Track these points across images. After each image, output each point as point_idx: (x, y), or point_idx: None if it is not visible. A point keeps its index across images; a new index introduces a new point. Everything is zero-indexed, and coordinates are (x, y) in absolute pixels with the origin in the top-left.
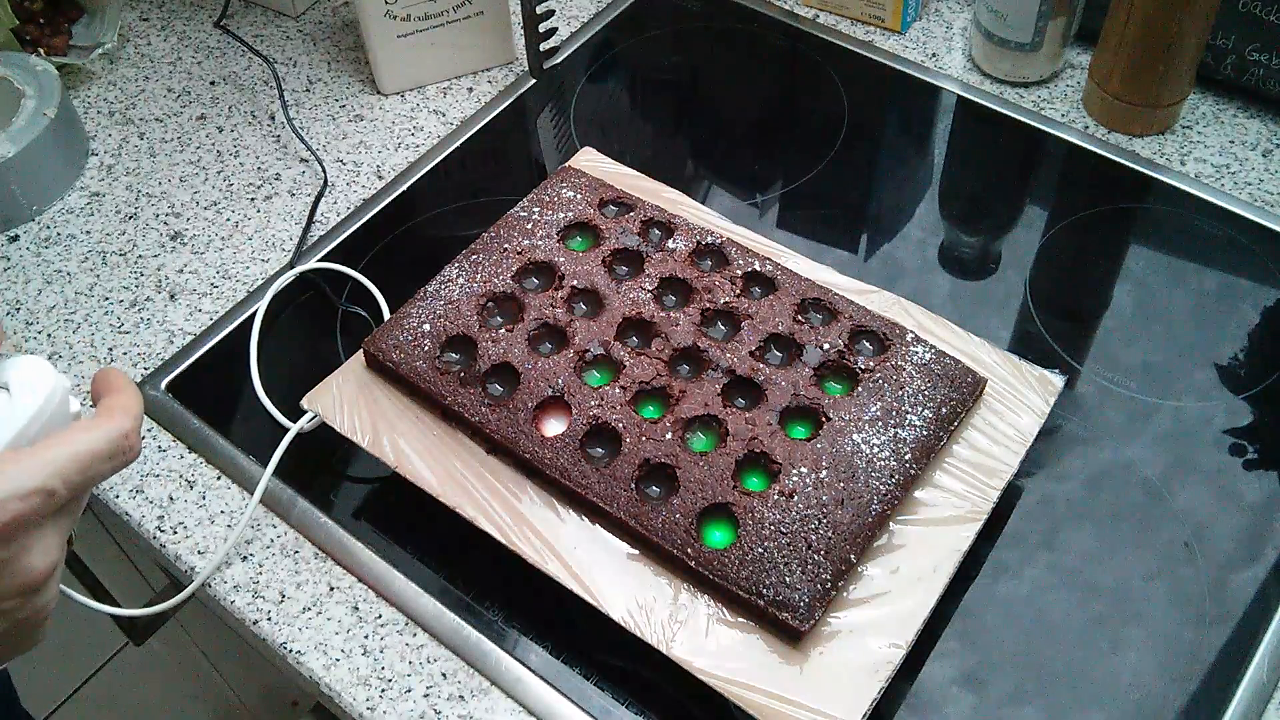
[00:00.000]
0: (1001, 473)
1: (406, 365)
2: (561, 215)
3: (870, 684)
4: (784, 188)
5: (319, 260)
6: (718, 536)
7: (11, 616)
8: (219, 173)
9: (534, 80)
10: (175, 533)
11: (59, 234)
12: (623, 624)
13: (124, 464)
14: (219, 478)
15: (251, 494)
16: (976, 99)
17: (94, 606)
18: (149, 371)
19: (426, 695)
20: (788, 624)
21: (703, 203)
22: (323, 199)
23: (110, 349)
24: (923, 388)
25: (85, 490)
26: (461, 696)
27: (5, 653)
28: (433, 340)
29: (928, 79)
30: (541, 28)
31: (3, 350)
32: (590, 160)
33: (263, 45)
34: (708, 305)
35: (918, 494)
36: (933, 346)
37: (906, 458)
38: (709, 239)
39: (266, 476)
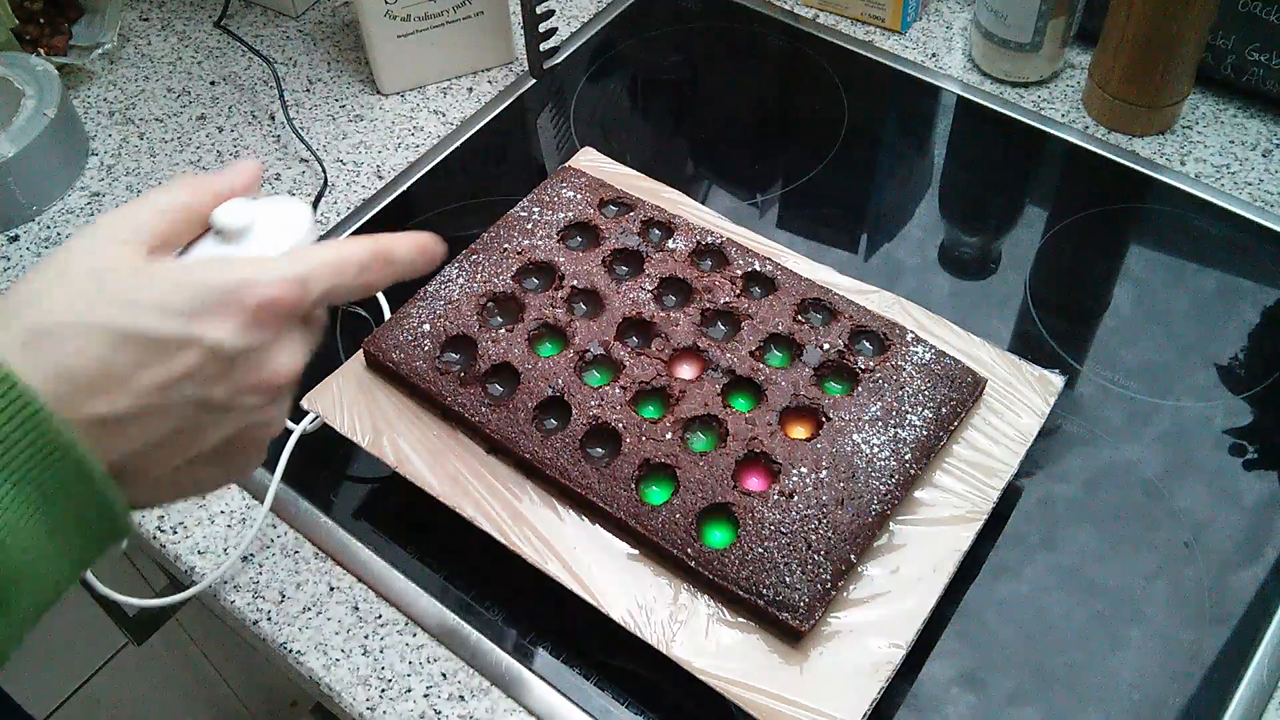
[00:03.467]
0: (1001, 473)
1: (406, 365)
2: (561, 215)
3: (870, 684)
4: (784, 188)
5: None
6: (718, 536)
7: (248, 415)
8: None
9: (534, 80)
10: (175, 533)
11: (59, 234)
12: (623, 624)
13: (369, 285)
14: None
15: (251, 493)
16: (976, 99)
17: (108, 594)
18: None
19: (426, 695)
20: (788, 624)
21: (703, 203)
22: (323, 199)
23: None
24: (923, 388)
25: (333, 298)
26: (461, 696)
27: (221, 466)
28: (433, 340)
29: (928, 79)
30: (541, 28)
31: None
32: (590, 160)
33: (263, 45)
34: (708, 305)
35: (918, 494)
36: (933, 346)
37: (906, 458)
38: (709, 239)
39: (275, 484)
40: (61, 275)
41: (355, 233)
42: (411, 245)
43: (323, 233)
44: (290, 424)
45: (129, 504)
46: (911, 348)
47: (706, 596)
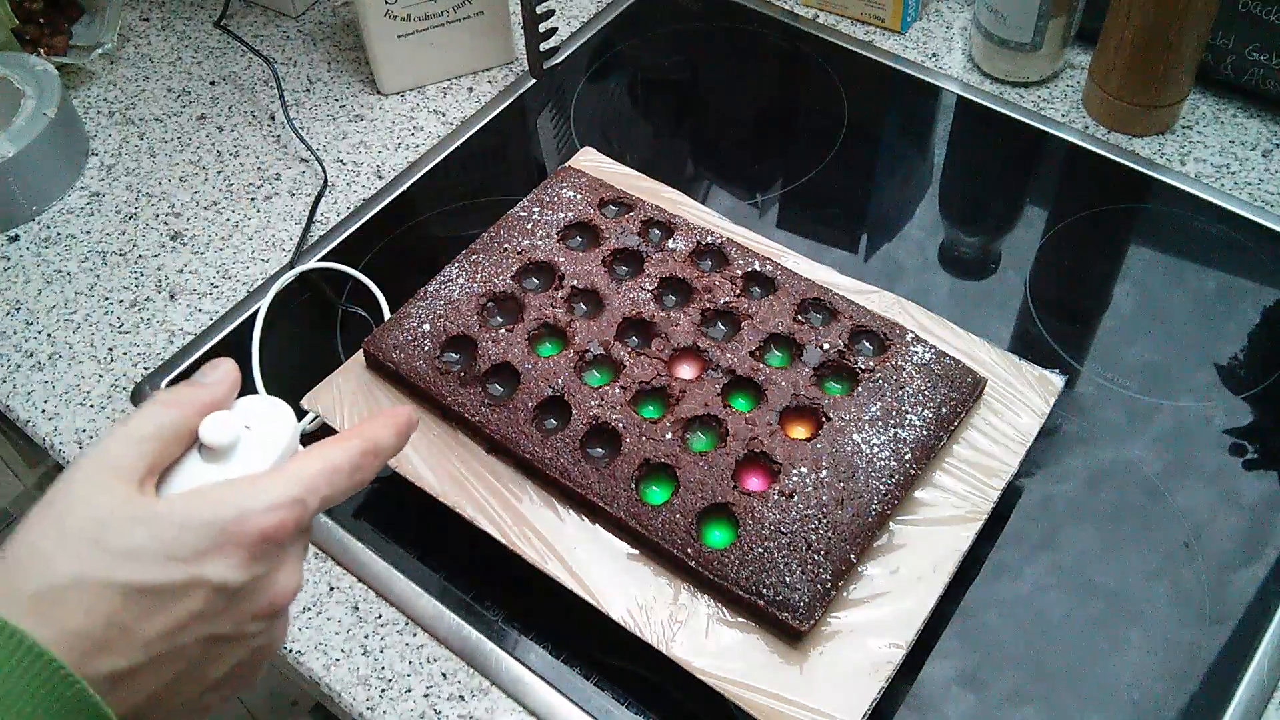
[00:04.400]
0: (1001, 473)
1: (406, 365)
2: (561, 215)
3: (870, 684)
4: (784, 188)
5: (319, 260)
6: (718, 536)
7: (253, 641)
8: (219, 173)
9: (534, 80)
10: None
11: (59, 234)
12: (623, 624)
13: (360, 482)
14: None
15: None
16: (976, 99)
17: None
18: (149, 371)
19: (426, 695)
20: (788, 624)
21: (703, 203)
22: (323, 199)
23: (110, 349)
24: (923, 388)
25: (330, 505)
26: (461, 696)
27: (229, 688)
28: (433, 340)
29: (928, 79)
30: (541, 28)
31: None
32: (590, 160)
33: (263, 45)
34: (708, 305)
35: (918, 494)
36: (933, 346)
37: (906, 458)
38: (709, 239)
39: None
40: (60, 530)
41: (354, 234)
42: (393, 429)
43: (322, 232)
44: None
45: None
46: (911, 348)
47: (706, 596)
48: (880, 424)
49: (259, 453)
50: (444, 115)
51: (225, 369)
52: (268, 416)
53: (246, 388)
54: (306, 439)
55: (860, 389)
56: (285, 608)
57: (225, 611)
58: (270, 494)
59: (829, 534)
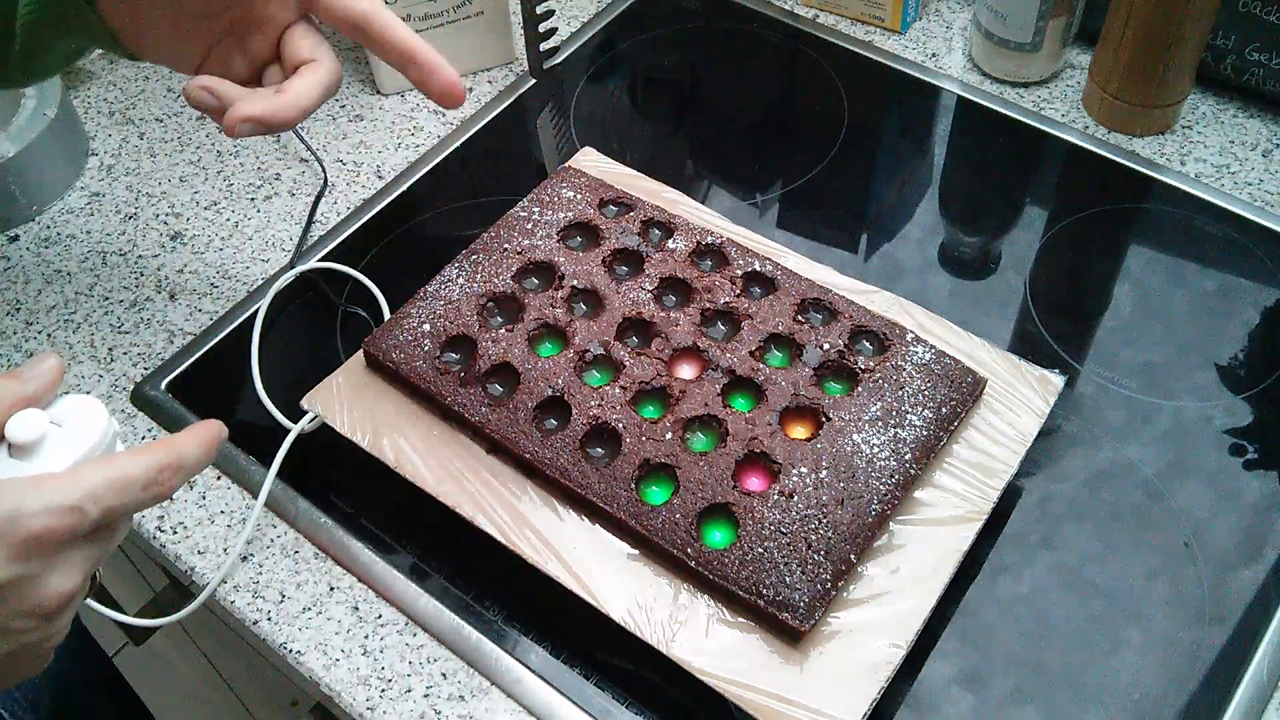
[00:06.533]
0: (1001, 473)
1: (406, 365)
2: (561, 215)
3: (870, 684)
4: (784, 188)
5: (319, 260)
6: (718, 536)
7: (19, 639)
8: (219, 173)
9: (534, 80)
10: (175, 533)
11: (59, 234)
12: (623, 624)
13: (159, 495)
14: (219, 477)
15: (251, 493)
16: (976, 99)
17: (101, 611)
18: (149, 371)
19: (426, 695)
20: (788, 624)
21: (703, 203)
22: (323, 199)
23: (110, 349)
24: (923, 388)
25: (117, 516)
26: (461, 696)
27: (5, 677)
28: (433, 340)
29: (928, 79)
30: (541, 28)
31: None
32: (590, 160)
33: None
34: (708, 305)
35: (918, 494)
36: (933, 346)
37: (906, 458)
38: (709, 239)
39: (269, 480)
40: None
41: (354, 234)
42: (200, 443)
43: (322, 232)
44: (289, 423)
45: None
46: (911, 348)
47: (706, 596)
48: (880, 424)
49: (61, 453)
50: (444, 115)
51: (47, 365)
52: (81, 417)
53: (245, 387)
54: (305, 438)
55: (860, 389)
56: (59, 610)
57: None
58: (47, 497)
59: (829, 534)
